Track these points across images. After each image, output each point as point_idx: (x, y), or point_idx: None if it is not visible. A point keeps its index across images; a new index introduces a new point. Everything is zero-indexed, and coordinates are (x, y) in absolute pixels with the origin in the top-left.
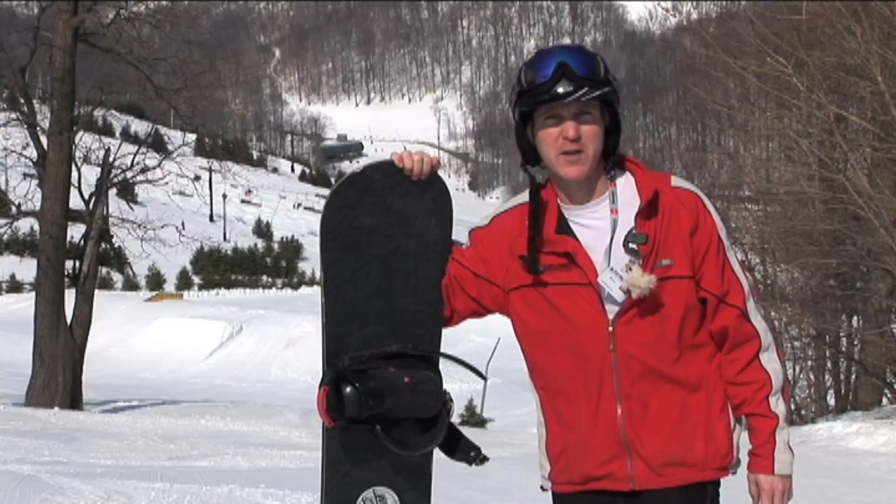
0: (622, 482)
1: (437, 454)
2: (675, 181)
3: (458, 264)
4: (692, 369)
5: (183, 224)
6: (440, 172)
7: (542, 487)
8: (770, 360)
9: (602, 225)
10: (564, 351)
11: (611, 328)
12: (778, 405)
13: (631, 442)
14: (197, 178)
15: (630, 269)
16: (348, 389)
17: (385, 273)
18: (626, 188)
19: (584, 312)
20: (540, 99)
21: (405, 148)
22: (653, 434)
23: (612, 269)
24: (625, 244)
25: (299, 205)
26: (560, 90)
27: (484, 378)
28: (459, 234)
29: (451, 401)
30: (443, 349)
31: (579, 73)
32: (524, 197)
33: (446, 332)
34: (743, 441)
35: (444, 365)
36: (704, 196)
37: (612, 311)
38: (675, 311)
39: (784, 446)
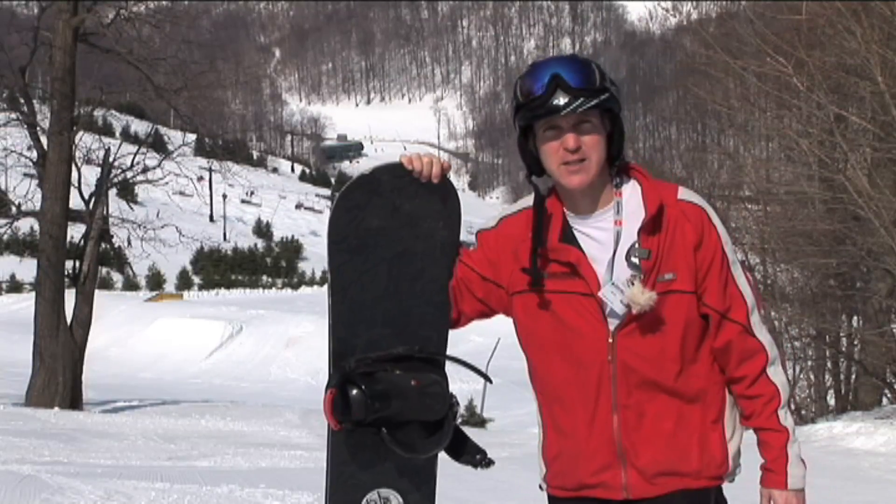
0: (615, 491)
1: (441, 456)
2: (682, 193)
3: (464, 266)
4: (692, 383)
5: (180, 231)
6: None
7: (539, 487)
8: (777, 373)
9: (606, 236)
10: (563, 359)
11: (611, 339)
12: (787, 418)
13: (626, 451)
14: (200, 178)
15: (632, 284)
16: (354, 392)
17: (392, 275)
18: (632, 198)
19: (585, 322)
20: (537, 113)
21: (405, 148)
22: (648, 444)
23: (613, 284)
24: (627, 258)
25: (300, 205)
26: (555, 103)
27: (490, 381)
28: (463, 235)
29: (458, 403)
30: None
31: (573, 85)
32: (531, 201)
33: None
34: (747, 448)
35: (446, 365)
36: (710, 209)
37: (613, 322)
38: (675, 326)
39: (796, 460)
